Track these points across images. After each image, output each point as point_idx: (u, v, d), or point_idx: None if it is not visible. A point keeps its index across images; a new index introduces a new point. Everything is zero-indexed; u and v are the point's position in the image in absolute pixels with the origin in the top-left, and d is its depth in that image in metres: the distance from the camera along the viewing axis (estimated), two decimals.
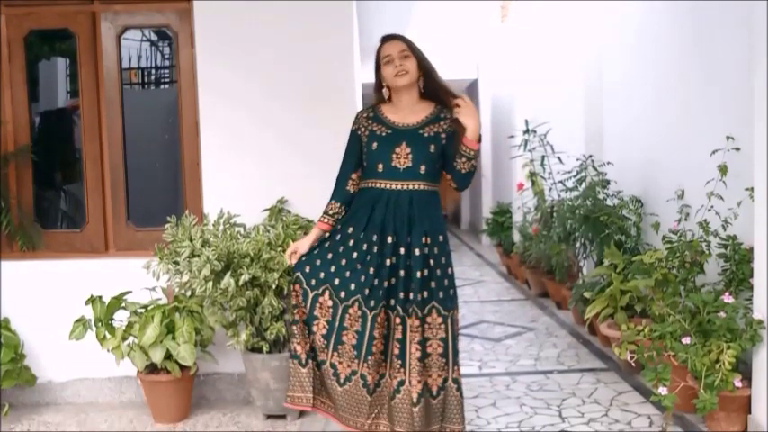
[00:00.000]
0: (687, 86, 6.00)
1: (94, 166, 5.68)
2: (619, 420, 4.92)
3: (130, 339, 5.01)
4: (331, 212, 4.29)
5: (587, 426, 4.84)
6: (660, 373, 4.48)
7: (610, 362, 6.20)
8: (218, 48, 5.47)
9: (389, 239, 4.07)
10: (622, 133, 7.53)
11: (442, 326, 4.10)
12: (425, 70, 4.17)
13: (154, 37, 6.05)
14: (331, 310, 4.13)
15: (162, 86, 6.42)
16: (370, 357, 4.05)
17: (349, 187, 4.29)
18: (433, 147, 4.11)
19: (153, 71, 6.25)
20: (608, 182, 7.10)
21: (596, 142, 8.03)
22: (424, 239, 4.08)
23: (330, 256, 4.19)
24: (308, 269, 4.21)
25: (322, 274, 4.18)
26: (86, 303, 5.06)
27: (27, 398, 5.54)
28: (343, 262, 4.14)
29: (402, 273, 4.05)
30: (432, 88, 4.21)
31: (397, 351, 4.06)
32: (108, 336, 5.01)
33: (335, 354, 4.12)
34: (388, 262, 4.07)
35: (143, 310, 5.06)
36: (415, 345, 4.02)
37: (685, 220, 5.56)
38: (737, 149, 5.00)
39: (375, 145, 4.14)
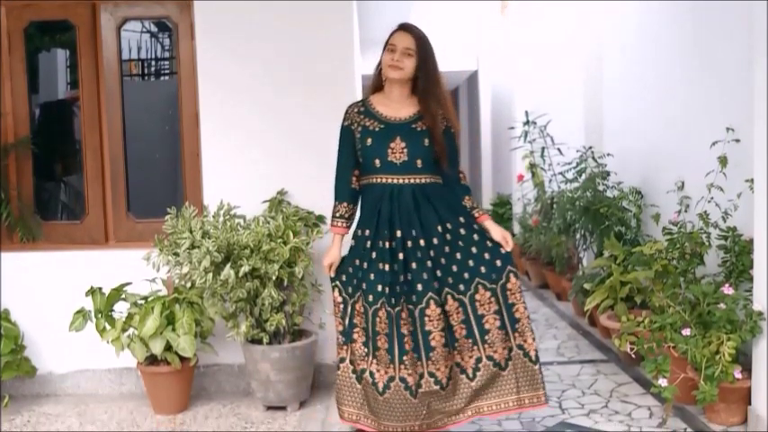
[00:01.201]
0: (687, 78, 5.99)
1: (94, 158, 5.67)
2: (619, 412, 4.91)
3: (130, 331, 4.99)
4: (342, 214, 4.31)
5: (587, 417, 4.84)
6: (660, 365, 4.50)
7: (610, 353, 6.19)
8: (219, 39, 5.44)
9: (398, 233, 4.11)
10: (622, 125, 7.52)
11: (492, 299, 4.13)
12: (425, 73, 4.17)
13: (154, 28, 6.02)
14: (364, 316, 4.13)
15: (162, 78, 6.39)
16: (405, 357, 4.03)
17: (353, 185, 4.31)
18: (427, 140, 4.14)
19: (153, 62, 6.19)
20: (608, 173, 7.10)
21: (596, 134, 8.02)
22: (439, 228, 4.13)
23: (357, 261, 4.21)
24: (344, 278, 4.25)
25: (355, 281, 4.21)
26: (86, 295, 5.04)
27: (27, 389, 5.52)
28: (366, 265, 4.14)
29: (414, 265, 4.08)
30: (424, 88, 4.19)
31: (464, 332, 4.12)
32: (108, 327, 5.00)
33: (374, 361, 4.11)
34: (400, 256, 4.09)
35: (143, 302, 5.04)
36: (439, 332, 4.05)
37: (685, 211, 5.54)
38: (737, 141, 4.99)
39: (369, 140, 4.17)
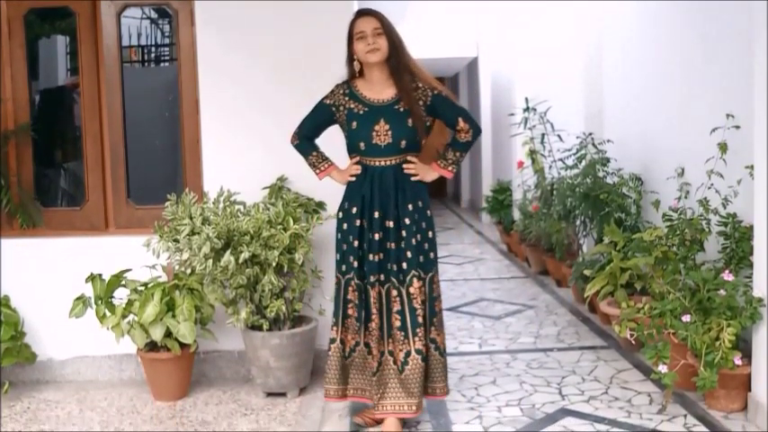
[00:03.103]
0: (687, 64, 5.96)
1: (94, 144, 5.69)
2: (619, 398, 4.92)
3: (130, 317, 5.02)
4: (322, 159, 4.56)
5: (587, 404, 4.84)
6: (660, 351, 4.51)
7: (610, 340, 6.20)
8: (219, 26, 5.47)
9: (376, 215, 4.29)
10: (622, 111, 7.50)
11: (421, 289, 4.30)
12: (395, 48, 4.31)
13: (154, 15, 6.03)
14: (356, 292, 4.35)
15: (162, 64, 6.41)
16: (371, 324, 4.32)
17: (314, 143, 4.59)
18: (410, 120, 4.28)
19: (153, 49, 6.23)
20: (608, 160, 7.09)
21: (596, 120, 8.00)
22: (410, 207, 4.31)
23: (340, 236, 4.43)
24: (338, 256, 4.45)
25: (340, 256, 4.46)
26: (86, 281, 5.08)
27: (27, 376, 5.56)
28: (340, 236, 4.40)
29: (392, 245, 4.27)
30: (396, 66, 4.32)
31: (398, 323, 4.28)
32: (108, 314, 5.02)
33: (343, 329, 4.41)
34: (376, 236, 4.28)
35: (143, 288, 5.06)
36: (417, 310, 4.29)
37: (685, 197, 5.53)
38: (737, 127, 4.98)
39: (355, 124, 4.33)
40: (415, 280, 4.26)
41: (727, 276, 4.58)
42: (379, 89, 4.35)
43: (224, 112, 5.50)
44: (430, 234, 4.38)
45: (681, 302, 4.73)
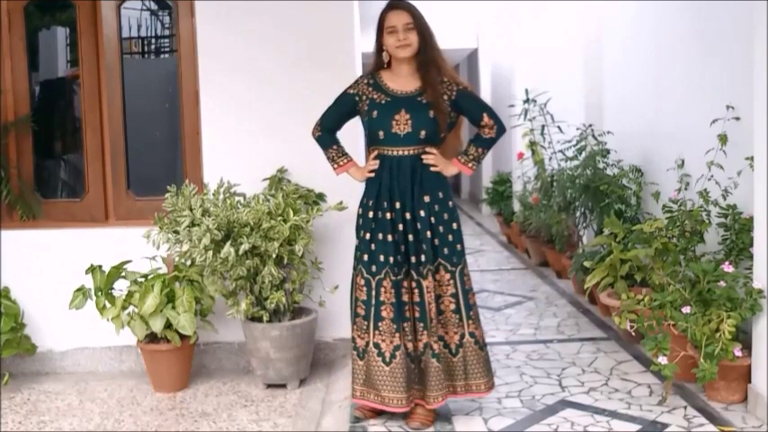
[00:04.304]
0: (687, 55, 5.95)
1: (94, 135, 5.70)
2: (619, 390, 4.91)
3: (130, 309, 5.03)
4: (342, 153, 4.50)
5: (587, 395, 4.83)
6: (660, 343, 4.50)
7: (610, 331, 6.19)
8: (218, 17, 5.46)
9: (397, 205, 4.26)
10: (622, 102, 7.48)
11: (451, 281, 4.29)
12: (425, 43, 4.28)
13: (154, 6, 6.04)
14: (365, 288, 4.28)
15: (162, 56, 6.43)
16: (405, 325, 4.24)
17: (335, 136, 4.53)
18: (432, 112, 4.25)
19: (153, 40, 6.23)
20: (608, 151, 7.09)
21: (596, 111, 7.99)
22: (426, 198, 4.26)
23: (362, 233, 4.37)
24: (364, 256, 4.34)
25: (358, 254, 4.38)
26: (86, 273, 5.09)
27: (27, 367, 5.57)
28: (368, 236, 4.30)
29: (411, 237, 4.24)
30: (424, 60, 4.29)
31: (417, 315, 4.26)
32: (108, 305, 5.04)
33: (377, 332, 4.25)
34: (400, 227, 4.25)
35: (143, 280, 5.08)
36: (430, 304, 4.24)
37: (685, 189, 5.53)
38: (737, 119, 4.98)
39: (375, 113, 4.28)
40: (430, 274, 4.24)
41: (728, 268, 4.57)
42: (404, 81, 4.33)
43: (224, 104, 5.50)
44: (454, 225, 4.33)
45: (681, 294, 4.72)
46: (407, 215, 4.25)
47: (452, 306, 4.32)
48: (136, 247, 5.11)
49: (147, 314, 4.90)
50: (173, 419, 4.70)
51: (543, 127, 8.37)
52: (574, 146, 7.41)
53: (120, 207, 5.73)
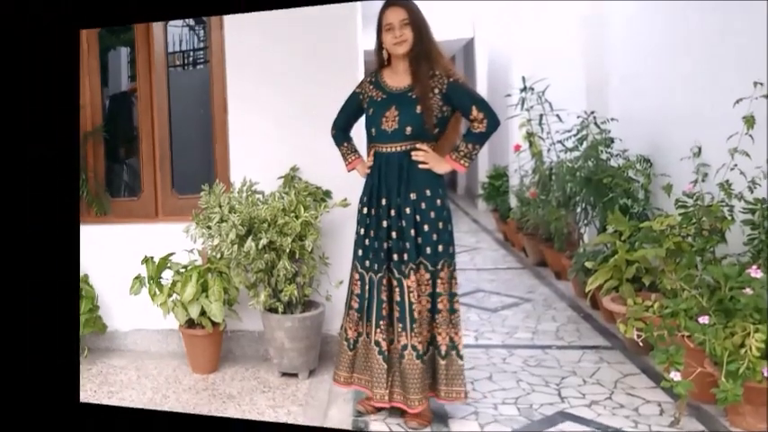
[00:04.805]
0: (703, 26, 5.67)
1: (147, 141, 6.57)
2: (624, 405, 4.68)
3: (174, 296, 5.77)
4: (351, 150, 4.78)
5: (589, 409, 4.66)
6: (672, 356, 4.23)
7: (614, 339, 5.97)
8: (242, 28, 6.08)
9: (383, 201, 4.45)
10: (628, 85, 7.32)
11: (430, 282, 4.41)
12: (419, 38, 4.42)
13: (191, 21, 7.10)
14: (359, 282, 4.53)
15: (198, 66, 7.41)
16: (381, 322, 4.44)
17: (348, 133, 4.82)
18: (419, 107, 4.38)
19: (191, 53, 7.31)
20: (612, 140, 6.98)
21: (599, 96, 7.83)
22: (412, 196, 4.39)
23: (356, 227, 4.63)
24: (354, 249, 4.61)
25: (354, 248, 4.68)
26: (141, 263, 5.88)
27: (100, 343, 6.49)
28: (362, 231, 4.54)
29: (394, 234, 4.40)
30: (416, 54, 4.43)
31: (397, 314, 4.41)
32: (157, 292, 5.80)
33: (378, 330, 4.46)
34: (384, 224, 4.43)
35: (183, 271, 5.79)
36: (416, 302, 4.38)
37: (703, 180, 5.25)
38: (767, 97, 4.63)
39: (371, 110, 4.52)
40: (412, 273, 4.36)
41: (755, 273, 4.28)
42: (400, 78, 4.50)
43: (247, 108, 6.13)
44: (440, 225, 4.41)
45: (697, 301, 4.49)
46: (391, 212, 4.42)
47: (429, 306, 4.44)
48: (179, 240, 5.73)
49: (186, 301, 5.62)
50: (206, 399, 5.25)
51: (541, 116, 8.26)
52: (574, 135, 7.35)
53: (166, 205, 6.58)
